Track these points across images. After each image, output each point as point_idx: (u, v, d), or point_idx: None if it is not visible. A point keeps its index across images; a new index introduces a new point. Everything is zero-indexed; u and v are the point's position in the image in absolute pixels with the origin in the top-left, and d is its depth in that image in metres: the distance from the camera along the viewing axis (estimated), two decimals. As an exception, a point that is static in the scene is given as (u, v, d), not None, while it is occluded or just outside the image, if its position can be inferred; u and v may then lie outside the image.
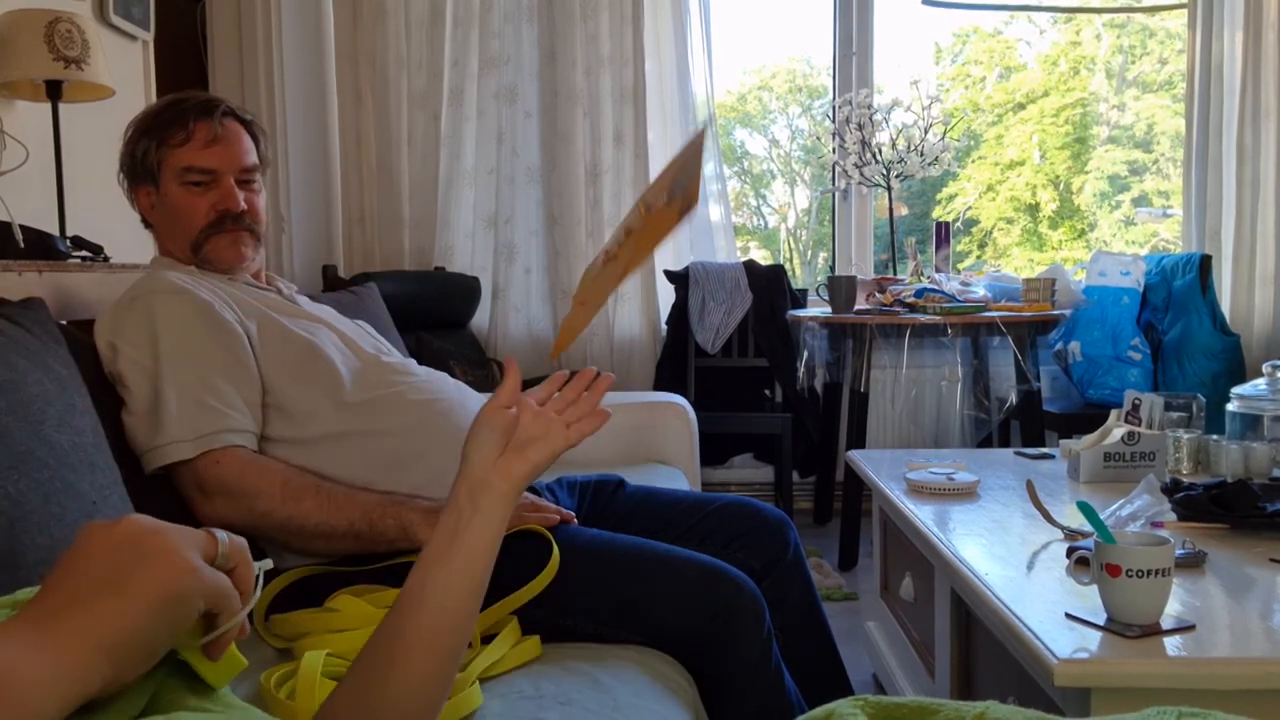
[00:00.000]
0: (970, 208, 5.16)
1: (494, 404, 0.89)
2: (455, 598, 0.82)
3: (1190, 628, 1.14)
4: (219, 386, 1.38)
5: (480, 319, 3.74)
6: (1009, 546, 1.50)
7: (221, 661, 0.59)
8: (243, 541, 0.59)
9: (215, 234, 1.51)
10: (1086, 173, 5.10)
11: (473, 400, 1.60)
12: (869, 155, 3.72)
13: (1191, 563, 1.37)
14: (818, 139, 4.61)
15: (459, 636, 0.82)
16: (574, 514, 1.47)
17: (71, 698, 0.47)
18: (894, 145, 3.74)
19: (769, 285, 3.60)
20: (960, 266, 4.29)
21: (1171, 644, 1.10)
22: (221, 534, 0.57)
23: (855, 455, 2.21)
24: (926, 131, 3.71)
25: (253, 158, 1.55)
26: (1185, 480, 1.72)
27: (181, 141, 1.48)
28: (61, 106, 2.16)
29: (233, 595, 0.56)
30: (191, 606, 0.52)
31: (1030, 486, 1.69)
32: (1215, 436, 1.95)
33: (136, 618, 0.49)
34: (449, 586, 0.82)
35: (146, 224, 1.59)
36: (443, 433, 1.47)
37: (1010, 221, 5.25)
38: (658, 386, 3.64)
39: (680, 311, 3.62)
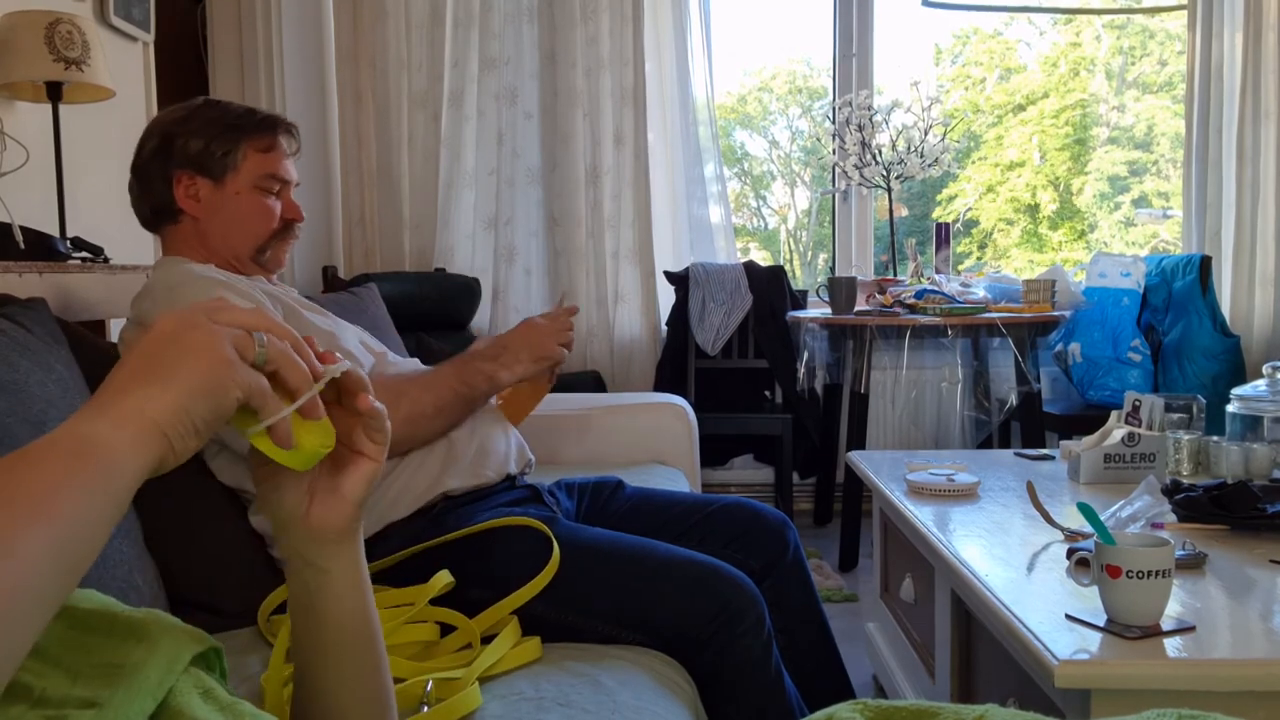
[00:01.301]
0: (970, 209, 5.16)
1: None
2: (336, 654, 0.73)
3: (1190, 629, 1.14)
4: None
5: (480, 320, 3.74)
6: (1009, 548, 1.50)
7: (298, 450, 0.64)
8: (284, 347, 0.62)
9: (282, 240, 1.61)
10: (1086, 174, 5.10)
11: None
12: (869, 156, 3.72)
13: (1192, 564, 1.37)
14: (818, 140, 4.61)
15: (367, 652, 0.75)
16: (578, 305, 1.59)
17: (142, 463, 0.55)
18: (894, 146, 3.74)
19: (769, 286, 3.60)
20: (960, 267, 4.29)
21: (1172, 645, 1.10)
22: (261, 335, 0.61)
23: (855, 456, 2.21)
24: (926, 133, 3.71)
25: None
26: (1185, 481, 1.72)
27: (268, 148, 1.55)
28: (62, 108, 2.16)
29: (267, 394, 0.61)
30: (228, 396, 0.58)
31: (1030, 488, 1.69)
32: (1215, 438, 1.95)
33: (181, 400, 0.56)
34: (325, 651, 0.73)
35: (166, 213, 1.54)
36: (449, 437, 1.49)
37: (1010, 223, 5.25)
38: (658, 387, 3.64)
39: (680, 312, 3.62)
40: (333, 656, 0.73)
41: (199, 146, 1.52)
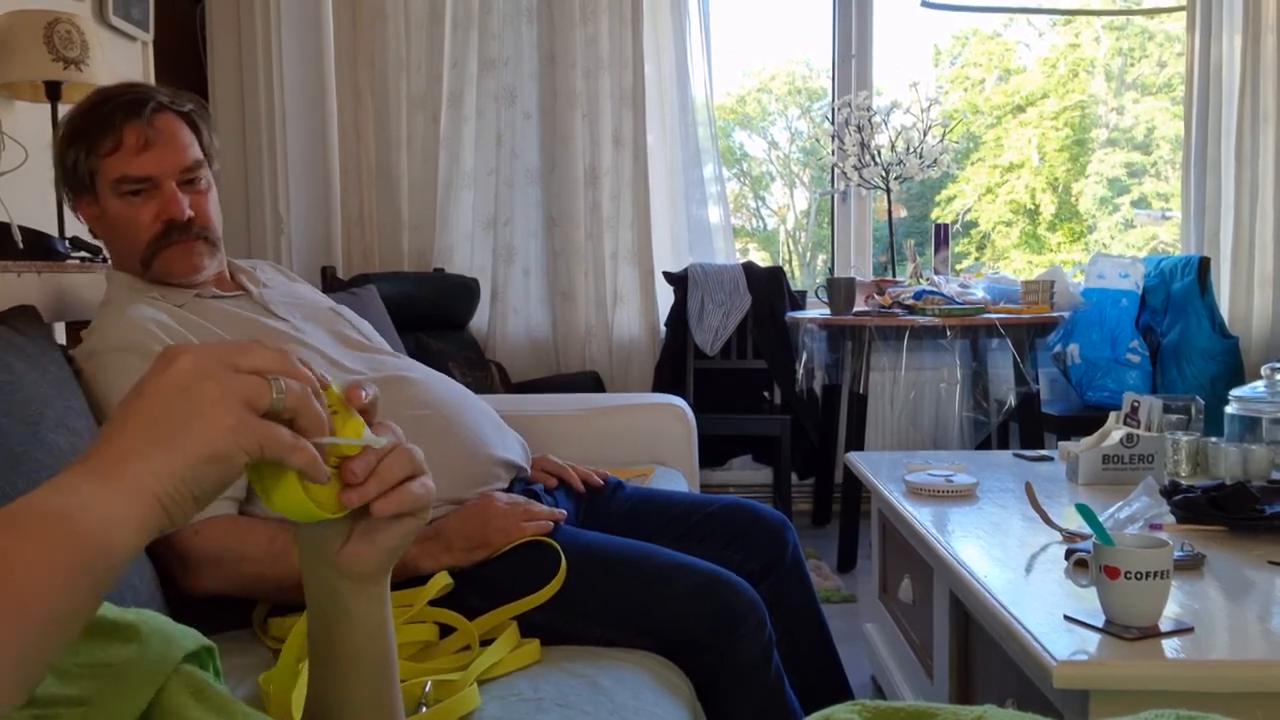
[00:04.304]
0: (969, 210, 5.16)
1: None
2: (353, 678, 0.71)
3: (1189, 630, 1.14)
4: None
5: (479, 320, 3.74)
6: (1008, 549, 1.50)
7: (300, 504, 0.59)
8: (304, 392, 0.58)
9: (164, 247, 1.41)
10: (1085, 176, 5.10)
11: (470, 398, 1.60)
12: (868, 157, 3.73)
13: (1190, 565, 1.37)
14: (817, 141, 4.61)
15: (382, 679, 0.74)
16: (565, 512, 1.47)
17: (140, 540, 0.52)
18: (893, 147, 3.74)
19: (768, 287, 3.60)
20: (959, 268, 4.29)
21: (1170, 646, 1.10)
22: (280, 382, 0.57)
23: (854, 457, 2.21)
24: (925, 134, 3.71)
25: (193, 153, 1.43)
26: (1184, 482, 1.72)
27: (111, 150, 1.36)
28: (61, 107, 2.16)
29: (283, 444, 0.56)
30: (235, 464, 0.55)
31: (1029, 488, 1.69)
32: (1214, 439, 1.94)
33: (184, 472, 0.53)
34: (345, 683, 0.72)
35: (94, 236, 1.51)
36: (444, 437, 1.46)
37: (1009, 224, 5.25)
38: (657, 388, 3.64)
39: (679, 313, 3.62)
40: (351, 679, 0.71)
41: (65, 167, 1.40)
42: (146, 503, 0.52)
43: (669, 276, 3.67)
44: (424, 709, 1.08)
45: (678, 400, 2.46)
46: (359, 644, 0.70)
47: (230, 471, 0.55)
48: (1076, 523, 1.54)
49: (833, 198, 4.13)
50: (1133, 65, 5.02)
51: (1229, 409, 1.97)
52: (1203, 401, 2.06)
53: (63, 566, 0.48)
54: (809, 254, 5.07)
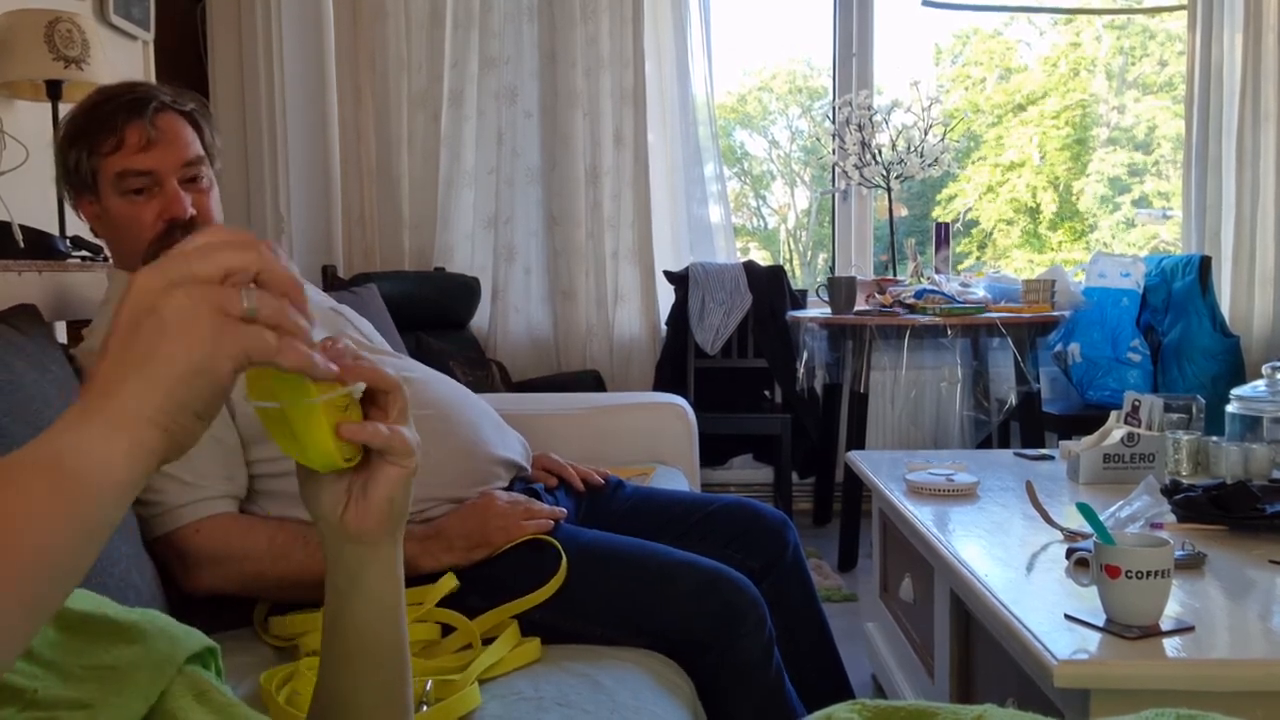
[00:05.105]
0: (970, 209, 5.16)
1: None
2: (361, 662, 0.71)
3: (1189, 629, 1.14)
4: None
5: (480, 319, 3.74)
6: (1008, 548, 1.50)
7: (312, 447, 0.59)
8: (280, 305, 0.55)
9: (166, 247, 1.39)
10: (1086, 175, 5.10)
11: (470, 397, 1.60)
12: (869, 156, 3.72)
13: (1191, 564, 1.37)
14: (818, 140, 4.61)
15: (393, 665, 0.73)
16: (565, 511, 1.47)
17: (142, 469, 0.50)
18: (894, 146, 3.74)
19: (769, 286, 3.60)
20: (960, 267, 4.29)
21: (1171, 645, 1.10)
22: (252, 293, 0.54)
23: (855, 456, 2.21)
24: (926, 132, 3.71)
25: (195, 149, 1.43)
26: (1185, 481, 1.72)
27: (113, 149, 1.37)
28: (61, 106, 2.16)
29: (272, 345, 0.53)
30: (221, 370, 0.52)
31: (1030, 488, 1.69)
32: (1215, 438, 1.94)
33: (172, 391, 0.51)
34: (356, 671, 0.71)
35: (96, 235, 1.51)
36: (444, 436, 1.46)
37: (1010, 223, 5.25)
38: (657, 387, 3.64)
39: (680, 312, 3.62)
40: (363, 666, 0.71)
41: (67, 166, 1.40)
42: (138, 429, 0.50)
43: (670, 275, 3.67)
44: (425, 708, 1.08)
45: (678, 399, 2.46)
46: (370, 622, 0.69)
47: (221, 381, 0.52)
48: (1077, 522, 1.54)
49: (833, 197, 4.13)
50: (1134, 64, 5.01)
51: (1230, 408, 1.97)
52: (1204, 401, 2.06)
53: (62, 515, 0.47)
54: (810, 253, 5.07)
